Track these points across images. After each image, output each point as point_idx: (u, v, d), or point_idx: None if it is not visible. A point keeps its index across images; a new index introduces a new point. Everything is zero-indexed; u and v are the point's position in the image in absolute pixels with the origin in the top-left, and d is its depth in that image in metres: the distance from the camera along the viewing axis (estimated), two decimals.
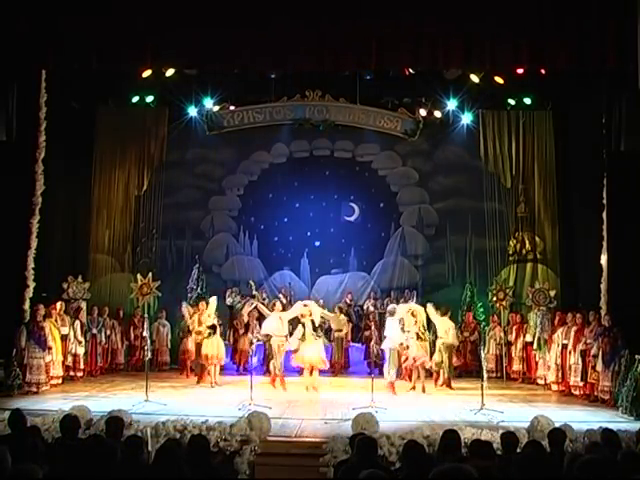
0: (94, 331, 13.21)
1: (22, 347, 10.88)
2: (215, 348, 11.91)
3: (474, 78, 14.11)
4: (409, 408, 9.88)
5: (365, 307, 15.32)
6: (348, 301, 15.35)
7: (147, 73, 13.31)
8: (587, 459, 4.08)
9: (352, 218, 16.55)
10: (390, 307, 12.14)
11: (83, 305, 13.45)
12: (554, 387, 11.92)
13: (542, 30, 9.88)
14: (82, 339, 12.64)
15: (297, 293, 15.99)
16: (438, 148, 16.10)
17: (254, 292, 15.15)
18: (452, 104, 15.13)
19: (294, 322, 12.11)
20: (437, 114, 15.47)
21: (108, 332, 13.63)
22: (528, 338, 13.20)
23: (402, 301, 15.36)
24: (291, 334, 11.88)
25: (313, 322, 11.77)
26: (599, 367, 10.59)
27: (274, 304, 12.26)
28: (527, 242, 15.12)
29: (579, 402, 10.87)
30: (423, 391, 11.45)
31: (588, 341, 10.95)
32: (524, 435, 7.06)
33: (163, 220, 15.80)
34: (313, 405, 10.21)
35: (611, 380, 10.32)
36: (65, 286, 13.44)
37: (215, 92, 15.15)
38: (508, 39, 9.99)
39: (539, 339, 12.76)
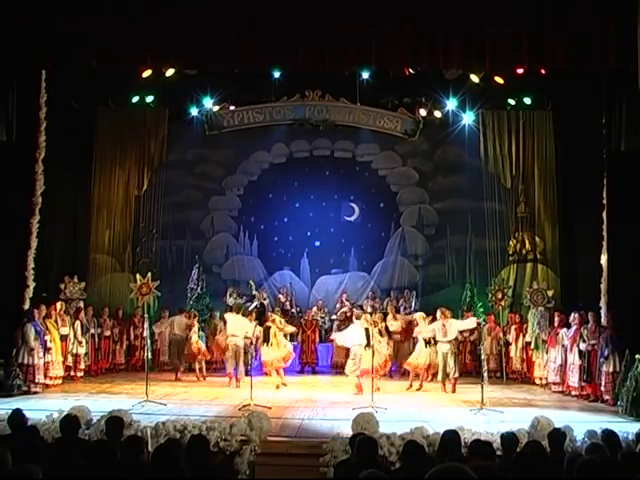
0: (92, 331, 13.20)
1: (31, 346, 10.86)
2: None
3: (474, 78, 14.12)
4: (409, 408, 9.88)
5: (364, 307, 15.33)
6: (344, 300, 15.38)
7: (147, 73, 13.31)
8: (587, 459, 4.09)
9: (352, 218, 16.57)
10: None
11: (83, 305, 13.45)
12: (555, 387, 11.90)
13: (542, 30, 9.88)
14: (82, 339, 12.64)
15: (297, 293, 16.03)
16: (438, 148, 16.12)
17: (254, 292, 15.20)
18: (452, 104, 15.14)
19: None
20: (437, 114, 15.48)
21: (107, 332, 13.63)
22: (528, 338, 13.19)
23: (402, 301, 15.42)
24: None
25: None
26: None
27: (358, 314, 12.12)
28: (527, 242, 15.11)
29: (579, 402, 10.87)
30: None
31: (592, 342, 10.95)
32: (524, 435, 7.05)
33: (163, 220, 15.82)
34: (313, 405, 10.20)
35: (604, 380, 10.41)
36: (62, 286, 13.44)
37: (215, 92, 15.16)
38: (508, 39, 10.00)
39: (537, 339, 12.76)
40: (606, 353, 10.38)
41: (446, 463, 3.52)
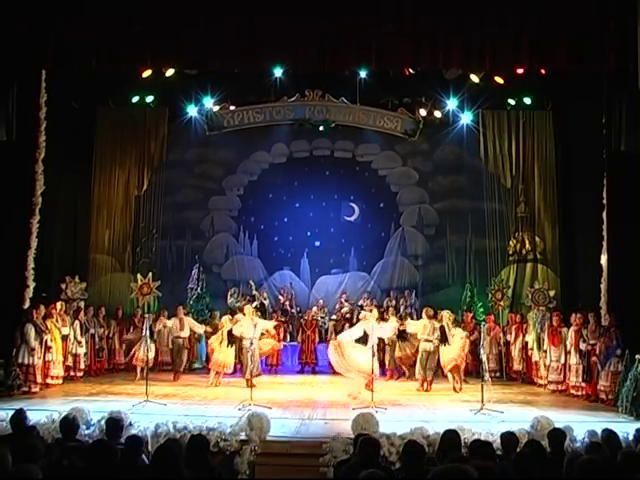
0: (91, 331, 13.20)
1: (32, 346, 10.85)
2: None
3: (474, 78, 14.11)
4: (409, 408, 9.88)
5: (364, 307, 15.33)
6: (343, 301, 15.37)
7: (147, 73, 13.31)
8: (587, 459, 4.08)
9: (352, 218, 16.57)
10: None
11: (83, 305, 13.45)
12: (555, 387, 11.90)
13: (542, 30, 9.88)
14: (82, 339, 12.62)
15: (297, 293, 16.02)
16: (438, 148, 16.12)
17: (254, 292, 15.21)
18: (452, 104, 15.13)
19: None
20: (437, 114, 15.48)
21: (106, 332, 13.62)
22: (528, 338, 13.19)
23: (402, 301, 15.41)
24: None
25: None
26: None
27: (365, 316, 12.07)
28: (527, 242, 15.13)
29: (579, 402, 10.87)
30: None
31: (592, 342, 10.94)
32: (524, 435, 7.05)
33: (163, 220, 15.82)
34: (313, 405, 10.20)
35: (607, 379, 10.37)
36: (63, 286, 13.43)
37: (215, 92, 15.15)
38: (508, 39, 10.00)
39: (538, 339, 12.77)
40: (618, 352, 10.25)
41: (447, 464, 3.52)
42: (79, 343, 12.55)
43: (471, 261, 15.72)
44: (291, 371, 14.26)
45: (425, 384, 11.70)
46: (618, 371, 10.24)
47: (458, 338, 11.65)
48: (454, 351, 11.52)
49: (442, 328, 11.54)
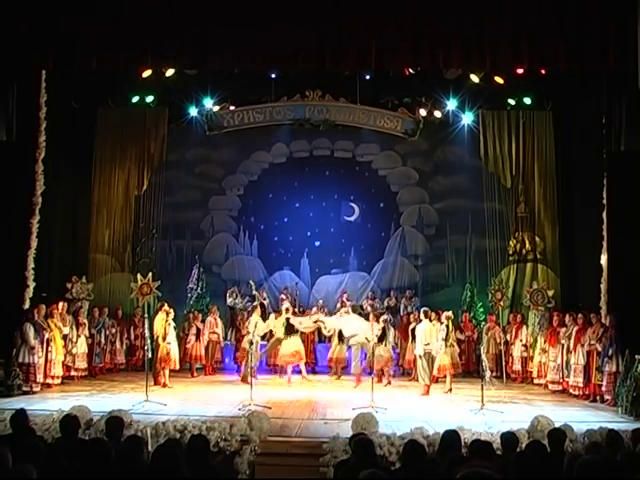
0: (93, 331, 13.20)
1: (31, 345, 10.84)
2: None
3: (474, 78, 14.12)
4: (409, 408, 9.88)
5: (364, 307, 15.32)
6: (344, 300, 15.35)
7: (147, 73, 13.33)
8: (587, 459, 4.08)
9: (352, 218, 16.56)
10: None
11: (85, 305, 13.46)
12: (555, 387, 11.91)
13: (542, 30, 9.89)
14: (76, 338, 12.58)
15: (298, 293, 16.00)
16: (438, 148, 16.11)
17: (254, 292, 15.18)
18: (452, 104, 15.14)
19: None
20: (437, 114, 15.48)
21: (107, 332, 13.61)
22: (528, 338, 13.19)
23: (404, 301, 15.40)
24: None
25: None
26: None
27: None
28: (527, 242, 15.12)
29: (579, 402, 10.88)
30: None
31: (592, 342, 10.94)
32: (524, 435, 7.06)
33: (163, 220, 15.81)
34: (313, 405, 10.20)
35: (602, 379, 10.43)
36: (69, 286, 13.44)
37: (215, 92, 15.16)
38: (508, 39, 10.00)
39: (536, 339, 12.78)
40: (610, 353, 10.35)
41: (471, 469, 3.51)
42: (75, 342, 12.49)
43: (471, 261, 15.72)
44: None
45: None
46: (613, 371, 10.28)
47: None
48: (455, 356, 11.57)
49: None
